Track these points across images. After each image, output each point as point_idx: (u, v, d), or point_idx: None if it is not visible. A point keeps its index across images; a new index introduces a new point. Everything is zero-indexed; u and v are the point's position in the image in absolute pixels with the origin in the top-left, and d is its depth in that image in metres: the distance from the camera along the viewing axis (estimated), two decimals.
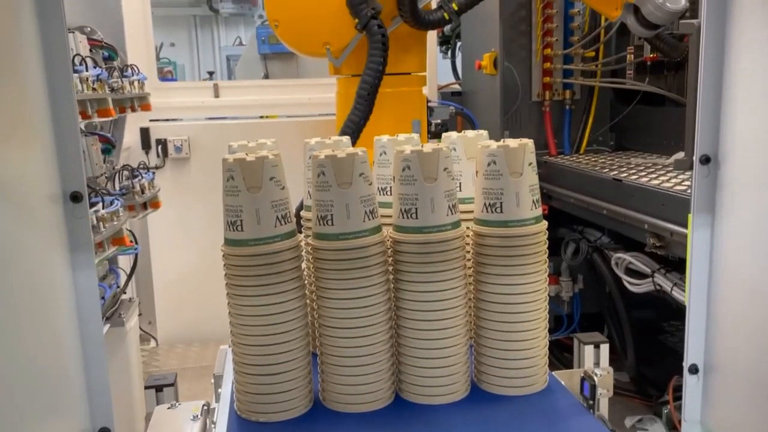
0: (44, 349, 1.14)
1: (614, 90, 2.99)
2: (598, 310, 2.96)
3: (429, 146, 1.39)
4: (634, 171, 2.37)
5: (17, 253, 1.05)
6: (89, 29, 2.58)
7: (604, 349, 1.57)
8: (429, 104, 3.32)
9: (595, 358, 1.57)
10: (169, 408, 1.39)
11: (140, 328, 3.51)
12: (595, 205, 2.40)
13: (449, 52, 4.10)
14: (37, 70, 1.12)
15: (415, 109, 2.94)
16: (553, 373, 1.57)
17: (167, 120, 4.33)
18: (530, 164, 1.40)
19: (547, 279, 1.50)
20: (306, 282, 1.45)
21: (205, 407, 1.40)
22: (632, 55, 2.67)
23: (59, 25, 1.13)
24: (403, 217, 1.39)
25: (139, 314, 3.43)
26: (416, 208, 1.37)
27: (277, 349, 1.36)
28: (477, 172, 1.45)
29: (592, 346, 1.57)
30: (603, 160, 2.75)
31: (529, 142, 1.41)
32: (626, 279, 2.35)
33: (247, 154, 1.35)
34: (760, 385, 1.24)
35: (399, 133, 1.68)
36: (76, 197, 1.17)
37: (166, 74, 10.40)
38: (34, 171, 1.11)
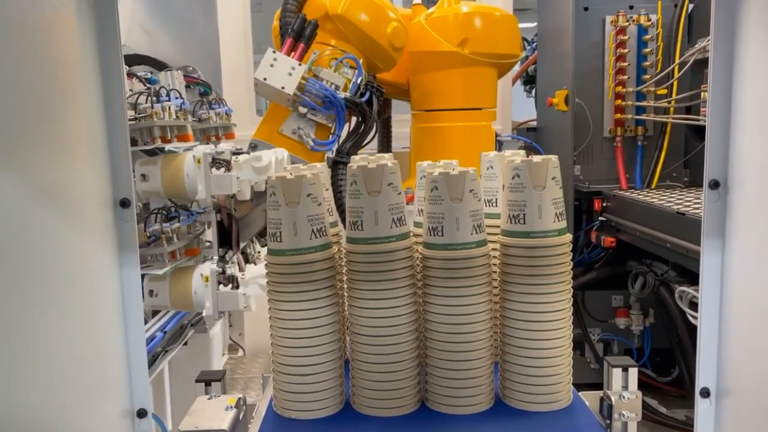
0: (93, 337, 1.25)
1: (689, 126, 2.94)
2: (669, 345, 2.87)
3: (457, 169, 1.49)
4: (699, 205, 2.33)
5: (72, 251, 1.18)
6: (191, 68, 2.87)
7: (633, 372, 1.56)
8: (498, 138, 3.39)
9: (623, 382, 1.57)
10: (209, 399, 1.53)
11: (230, 339, 3.78)
12: (659, 238, 2.38)
13: (533, 91, 4.16)
14: (96, 94, 1.27)
15: (484, 143, 3.00)
16: (579, 393, 1.59)
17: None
18: (554, 178, 1.45)
19: (571, 299, 1.53)
20: (341, 292, 1.56)
21: (241, 400, 1.53)
22: (706, 92, 2.63)
23: (115, 53, 1.28)
24: (431, 235, 1.47)
25: (230, 325, 3.70)
26: (442, 226, 1.45)
27: (309, 352, 1.47)
28: (503, 185, 1.52)
29: (620, 369, 1.56)
30: (672, 194, 2.71)
31: (553, 158, 1.45)
32: (690, 313, 2.30)
33: (290, 173, 1.49)
34: None
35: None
36: (124, 203, 1.32)
37: None
38: (90, 180, 1.25)
